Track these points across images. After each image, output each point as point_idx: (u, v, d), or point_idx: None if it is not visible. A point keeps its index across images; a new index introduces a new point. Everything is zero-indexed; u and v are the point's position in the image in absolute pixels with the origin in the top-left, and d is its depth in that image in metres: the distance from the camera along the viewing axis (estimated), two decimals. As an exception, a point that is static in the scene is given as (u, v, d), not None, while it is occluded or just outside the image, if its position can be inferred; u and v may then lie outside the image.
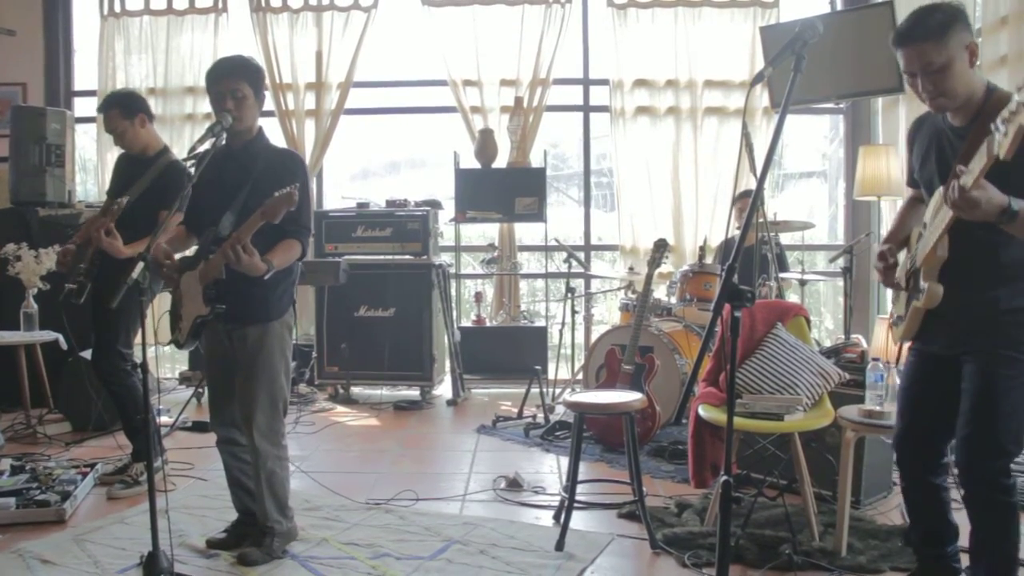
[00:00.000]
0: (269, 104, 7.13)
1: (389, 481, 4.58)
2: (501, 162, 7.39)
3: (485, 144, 7.30)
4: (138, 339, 4.32)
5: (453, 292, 7.32)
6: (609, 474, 4.68)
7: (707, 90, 7.45)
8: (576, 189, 8.42)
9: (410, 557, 3.49)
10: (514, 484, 4.45)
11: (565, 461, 4.84)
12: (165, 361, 7.70)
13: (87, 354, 5.48)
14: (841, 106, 7.63)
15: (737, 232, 5.75)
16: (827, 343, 5.06)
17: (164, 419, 5.77)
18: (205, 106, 7.31)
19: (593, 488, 4.40)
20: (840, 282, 6.05)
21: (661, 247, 5.34)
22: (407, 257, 6.80)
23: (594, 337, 6.17)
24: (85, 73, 7.95)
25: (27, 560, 3.42)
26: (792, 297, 6.12)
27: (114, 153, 4.67)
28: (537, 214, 7.13)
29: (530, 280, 8.25)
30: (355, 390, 7.01)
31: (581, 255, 7.46)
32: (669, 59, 7.45)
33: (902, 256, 2.93)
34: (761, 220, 5.29)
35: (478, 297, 7.47)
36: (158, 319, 4.25)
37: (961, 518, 2.89)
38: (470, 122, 7.52)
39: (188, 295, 3.41)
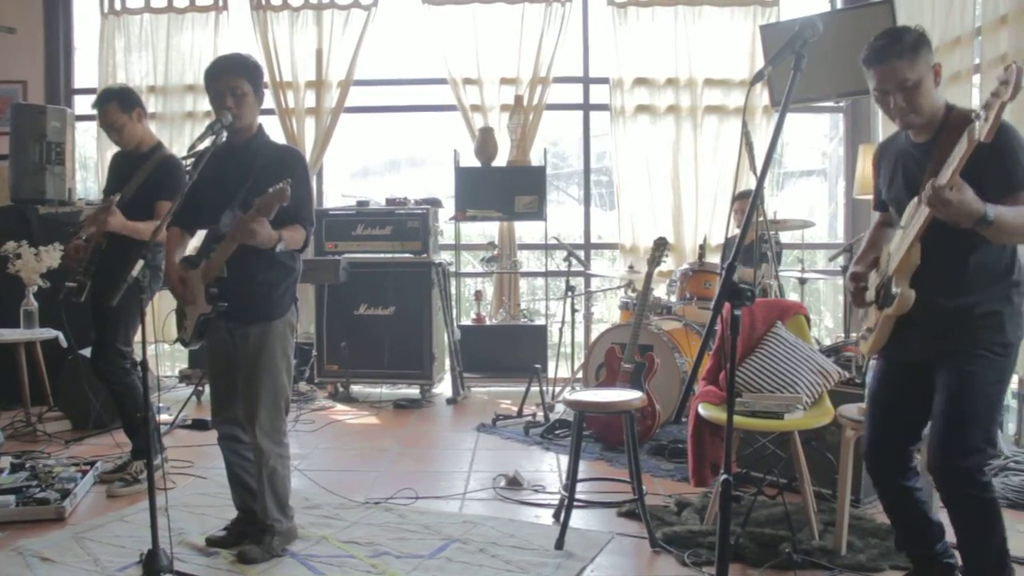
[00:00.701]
0: (269, 102, 7.15)
1: (389, 479, 4.58)
2: (501, 160, 7.39)
3: (485, 142, 7.30)
4: (138, 337, 4.33)
5: (453, 290, 7.32)
6: (609, 473, 4.68)
7: (707, 89, 7.45)
8: (576, 187, 8.42)
9: (410, 555, 3.49)
10: (514, 483, 4.45)
11: (565, 459, 4.84)
12: (165, 359, 7.71)
13: (87, 352, 5.49)
14: (841, 105, 7.63)
15: (737, 232, 5.74)
16: (827, 342, 5.07)
17: (164, 417, 5.77)
18: (205, 104, 7.31)
19: (593, 487, 4.40)
20: (840, 280, 6.05)
21: (661, 245, 5.34)
22: (407, 255, 6.80)
23: (594, 336, 6.18)
24: (85, 71, 7.95)
25: (27, 558, 3.42)
26: (792, 295, 6.12)
27: (114, 151, 4.66)
28: (537, 212, 7.13)
29: (530, 278, 8.25)
30: (355, 388, 7.01)
31: (581, 253, 7.46)
32: (669, 57, 7.45)
33: (872, 277, 2.98)
34: (761, 219, 5.29)
35: (478, 295, 7.47)
36: (164, 318, 4.27)
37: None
38: (470, 120, 7.52)
39: (192, 294, 3.42)
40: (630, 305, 6.02)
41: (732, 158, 7.29)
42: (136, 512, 3.96)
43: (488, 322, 7.39)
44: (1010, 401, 5.26)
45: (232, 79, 3.33)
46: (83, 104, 7.83)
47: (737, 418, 3.32)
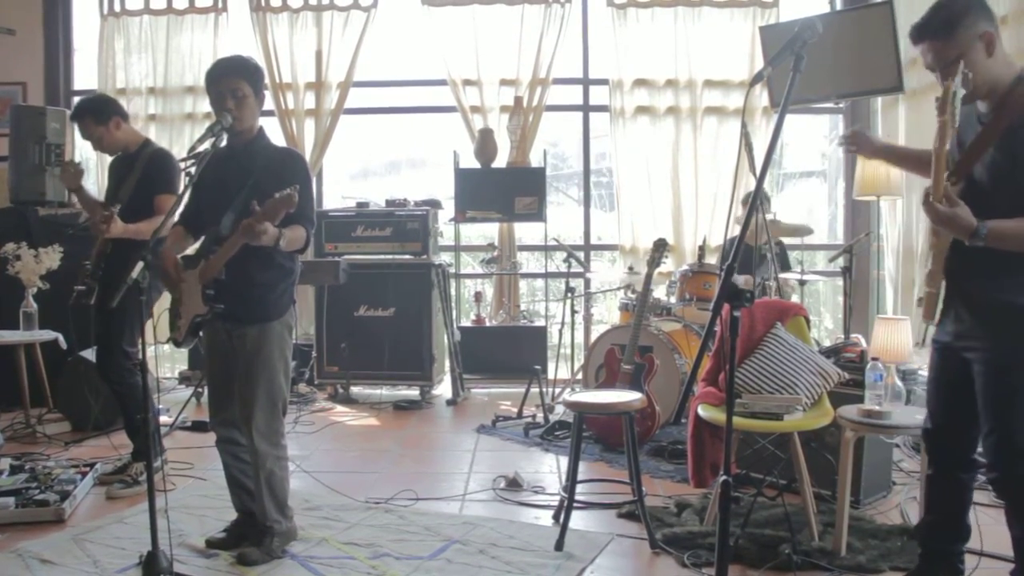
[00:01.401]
0: (269, 104, 7.12)
1: (389, 481, 4.58)
2: (501, 162, 7.40)
3: (485, 144, 7.30)
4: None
5: (453, 292, 7.32)
6: (609, 474, 4.68)
7: (707, 90, 7.45)
8: (576, 189, 8.42)
9: (410, 557, 3.49)
10: (514, 484, 4.45)
11: (565, 461, 4.84)
12: (165, 360, 7.70)
13: (87, 353, 5.50)
14: (841, 106, 7.63)
15: (736, 232, 5.74)
16: (826, 343, 5.06)
17: (164, 419, 5.77)
18: (205, 106, 7.31)
19: (593, 488, 4.40)
20: (839, 282, 6.05)
21: (660, 247, 5.34)
22: (407, 257, 6.81)
23: (594, 337, 6.17)
24: (85, 72, 7.94)
25: (26, 560, 3.42)
26: (792, 297, 6.12)
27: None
28: (537, 214, 7.13)
29: (530, 280, 8.25)
30: (355, 390, 7.01)
31: (581, 255, 7.46)
32: (669, 59, 7.45)
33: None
34: (762, 219, 5.29)
35: (478, 297, 7.47)
36: (157, 318, 4.27)
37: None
38: (470, 122, 7.52)
39: (187, 294, 3.41)
40: (630, 306, 6.02)
41: (732, 159, 7.29)
42: (136, 514, 3.97)
43: (488, 323, 7.39)
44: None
45: (233, 81, 3.33)
46: (83, 106, 7.82)
47: (737, 419, 3.32)
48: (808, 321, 4.15)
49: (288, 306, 3.51)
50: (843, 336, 5.46)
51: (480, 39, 7.52)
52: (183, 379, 7.07)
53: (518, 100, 7.41)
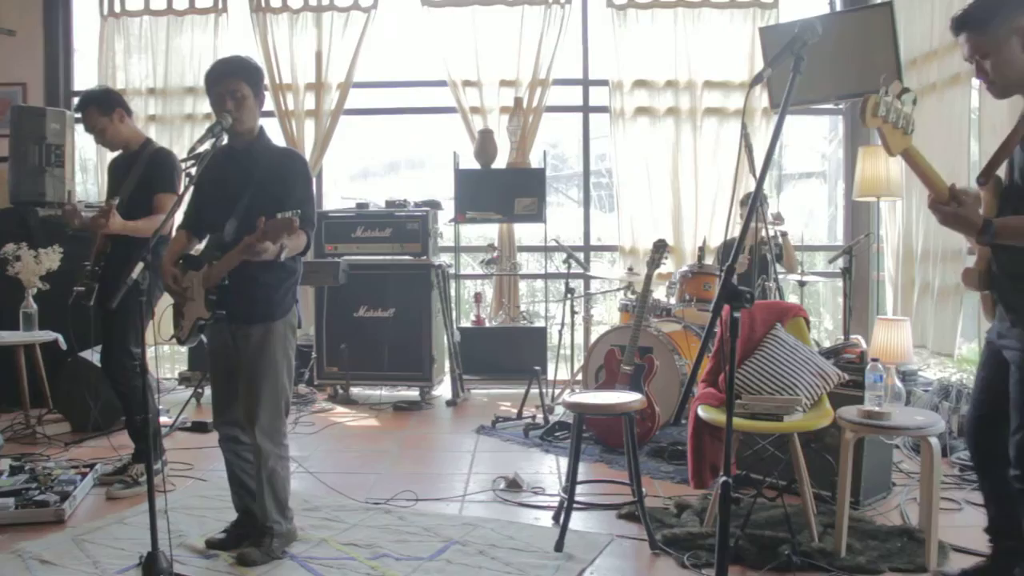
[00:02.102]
0: (269, 104, 7.14)
1: (388, 481, 4.58)
2: (501, 163, 7.40)
3: (485, 145, 7.30)
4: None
5: (453, 292, 7.32)
6: (608, 475, 4.68)
7: (707, 91, 7.46)
8: (575, 190, 8.42)
9: (409, 558, 3.49)
10: (513, 485, 4.45)
11: (564, 462, 4.84)
12: (165, 361, 7.70)
13: (87, 354, 5.50)
14: (840, 107, 7.63)
15: (737, 233, 5.75)
16: (826, 344, 5.07)
17: (163, 419, 5.77)
18: (205, 106, 7.31)
19: (592, 489, 4.40)
20: (839, 282, 6.06)
21: (660, 248, 5.34)
22: (407, 257, 6.81)
23: (593, 338, 6.17)
24: (85, 73, 7.95)
25: (26, 560, 3.42)
26: (791, 297, 6.13)
27: (113, 154, 4.67)
28: (536, 215, 7.13)
29: (529, 280, 8.25)
30: (354, 390, 7.01)
31: (580, 255, 7.46)
32: (669, 60, 7.45)
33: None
34: (766, 220, 5.30)
35: (477, 297, 7.47)
36: (160, 317, 4.27)
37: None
38: (470, 123, 7.52)
39: (191, 293, 3.42)
40: (630, 307, 6.02)
41: (732, 160, 7.29)
42: (136, 514, 3.97)
43: (488, 324, 7.39)
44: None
45: (232, 82, 3.34)
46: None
47: (736, 420, 3.32)
48: (808, 322, 4.15)
49: (291, 306, 3.52)
50: (843, 337, 5.47)
51: (480, 40, 7.53)
52: (183, 380, 7.07)
53: (518, 101, 7.41)
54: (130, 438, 4.66)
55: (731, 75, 7.44)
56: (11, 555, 3.48)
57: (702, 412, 3.71)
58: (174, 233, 3.77)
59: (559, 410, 6.06)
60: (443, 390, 7.05)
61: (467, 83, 7.54)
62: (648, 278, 5.27)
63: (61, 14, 7.84)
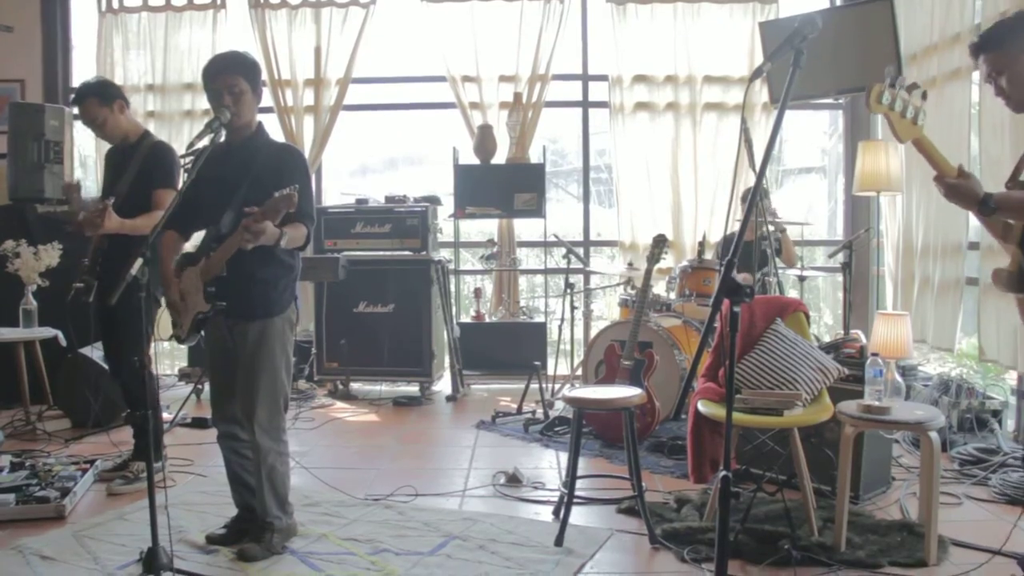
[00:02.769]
0: (268, 100, 7.14)
1: (388, 477, 4.59)
2: (500, 158, 7.39)
3: (484, 140, 7.29)
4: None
5: (452, 288, 7.32)
6: (608, 469, 4.69)
7: (706, 86, 7.45)
8: (575, 185, 8.42)
9: (409, 552, 3.49)
10: (513, 480, 4.45)
11: (564, 456, 4.85)
12: (164, 357, 7.70)
13: (87, 351, 5.51)
14: (840, 101, 7.63)
15: (737, 227, 5.74)
16: (826, 338, 5.07)
17: (164, 415, 5.76)
18: (204, 102, 7.30)
19: (592, 483, 4.40)
20: (839, 277, 6.05)
21: (660, 243, 5.34)
22: (406, 253, 6.81)
23: (593, 333, 6.17)
24: (83, 69, 7.92)
25: (27, 556, 3.43)
26: (791, 292, 6.13)
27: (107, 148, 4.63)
28: (536, 210, 7.13)
29: (529, 276, 8.25)
30: (354, 386, 7.02)
31: (580, 251, 7.45)
32: (668, 55, 7.44)
33: None
34: (763, 218, 5.29)
35: (477, 293, 7.47)
36: (160, 315, 4.25)
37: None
38: (469, 118, 7.52)
39: (189, 291, 3.42)
40: (629, 302, 6.02)
41: (731, 155, 7.28)
42: (136, 510, 3.97)
43: (487, 319, 7.39)
44: (1009, 398, 5.27)
45: (230, 77, 3.33)
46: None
47: (736, 415, 3.33)
48: (808, 317, 4.15)
49: (290, 302, 3.52)
50: (843, 332, 5.46)
51: (479, 35, 7.51)
52: (183, 376, 7.07)
53: (517, 96, 7.41)
54: (134, 435, 4.64)
55: (731, 70, 7.43)
56: (12, 551, 3.49)
57: (702, 407, 3.71)
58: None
59: (559, 405, 6.06)
60: (443, 385, 7.05)
61: (466, 78, 7.53)
62: (648, 273, 5.27)
63: (59, 10, 7.82)
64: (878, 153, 5.90)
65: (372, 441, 5.46)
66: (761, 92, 7.22)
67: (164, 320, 3.76)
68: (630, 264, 6.79)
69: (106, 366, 4.83)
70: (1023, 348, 4.75)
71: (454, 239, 7.72)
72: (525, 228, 7.75)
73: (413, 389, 6.89)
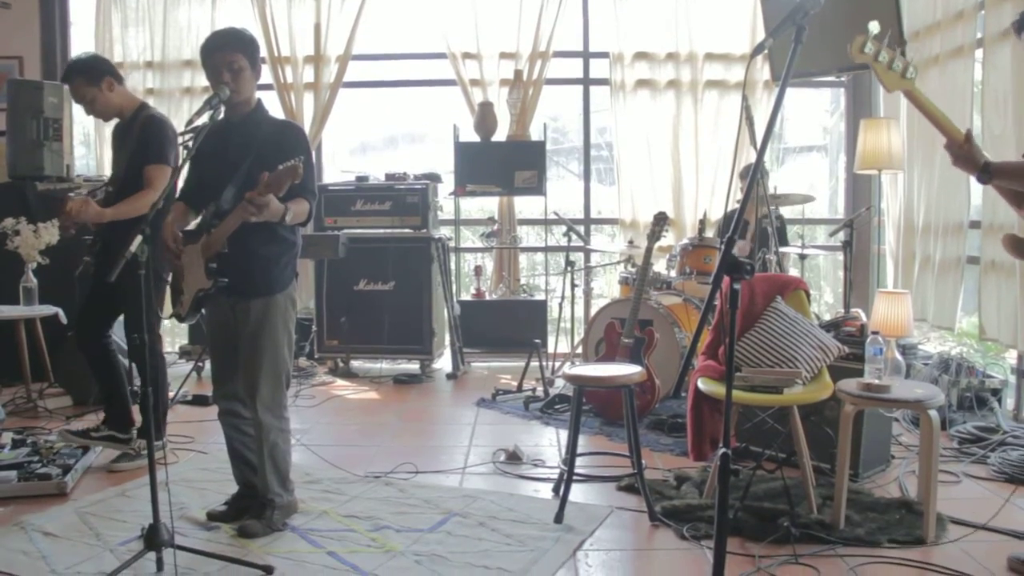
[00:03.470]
0: (267, 77, 7.10)
1: (389, 454, 4.60)
2: (501, 135, 7.36)
3: (484, 117, 7.27)
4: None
5: (453, 266, 7.32)
6: (608, 447, 4.70)
7: (708, 63, 7.40)
8: (576, 162, 8.40)
9: (410, 529, 3.51)
10: (513, 457, 4.47)
11: (564, 434, 4.86)
12: (165, 335, 7.70)
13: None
14: (842, 79, 7.59)
15: (737, 205, 5.73)
16: (827, 317, 5.07)
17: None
18: (203, 79, 7.14)
19: (592, 461, 4.42)
20: (840, 256, 6.05)
21: (661, 220, 5.33)
22: (406, 231, 6.80)
23: (593, 310, 6.18)
24: (82, 46, 7.86)
25: (29, 533, 3.44)
26: (792, 271, 6.12)
27: (111, 126, 4.59)
28: (537, 187, 7.11)
29: (530, 254, 8.24)
30: (355, 364, 7.03)
31: (581, 228, 7.45)
32: (670, 31, 7.39)
33: None
34: (762, 193, 5.28)
35: (478, 271, 7.47)
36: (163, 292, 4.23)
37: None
38: (469, 95, 7.48)
39: (189, 268, 3.41)
40: (630, 280, 6.01)
41: (732, 133, 7.26)
42: (137, 487, 3.98)
43: (488, 297, 7.39)
44: (1009, 377, 5.27)
45: (228, 54, 3.31)
46: (80, 79, 7.77)
47: (736, 392, 3.33)
48: (808, 295, 4.15)
49: (291, 279, 3.52)
50: (843, 310, 5.46)
51: (480, 12, 7.46)
52: (183, 353, 7.08)
53: (518, 73, 7.37)
54: (140, 412, 4.62)
55: (732, 47, 7.38)
56: (15, 528, 3.50)
57: (702, 385, 3.71)
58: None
59: (559, 383, 6.07)
60: (443, 363, 7.06)
61: (467, 55, 7.49)
62: (648, 251, 5.27)
63: (57, -14, 7.78)
64: (880, 131, 5.87)
65: (372, 419, 5.47)
66: (763, 70, 7.18)
67: (164, 299, 3.74)
68: (630, 242, 6.78)
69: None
70: (1023, 327, 4.75)
71: (454, 217, 7.70)
72: (526, 206, 7.73)
73: (413, 367, 6.90)
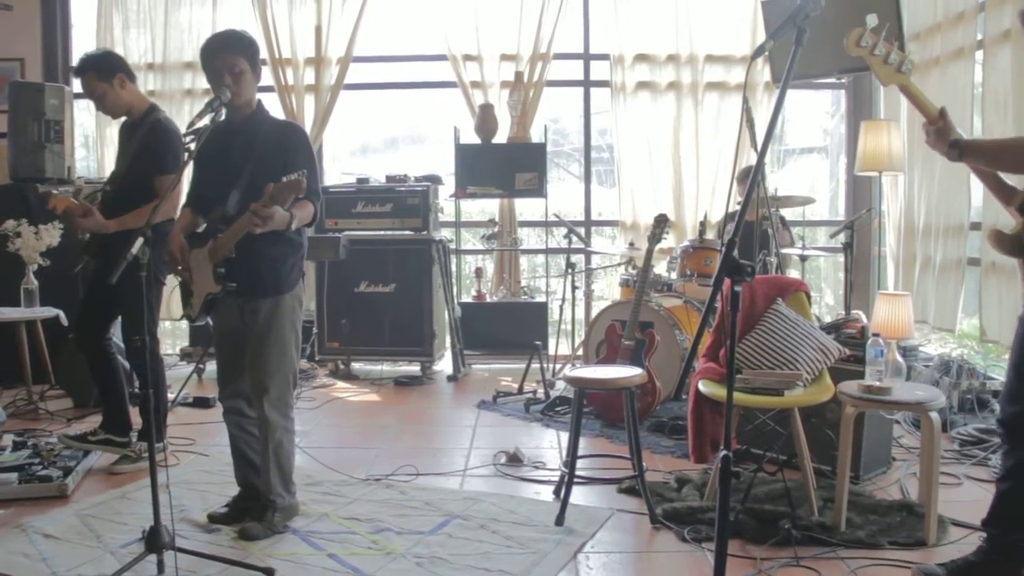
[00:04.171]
0: (268, 79, 7.10)
1: (389, 456, 4.60)
2: (501, 137, 7.36)
3: (485, 119, 7.27)
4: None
5: (453, 268, 7.32)
6: (609, 449, 4.69)
7: (708, 65, 7.40)
8: (576, 164, 8.40)
9: (410, 532, 3.51)
10: (514, 459, 4.46)
11: (565, 436, 4.85)
12: (166, 337, 7.71)
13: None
14: (843, 81, 7.59)
15: (737, 207, 5.73)
16: (827, 319, 5.07)
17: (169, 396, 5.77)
18: (204, 81, 7.13)
19: (593, 463, 4.42)
20: (841, 258, 6.04)
21: (661, 222, 5.32)
22: (407, 233, 6.79)
23: (594, 313, 6.17)
24: (83, 48, 7.81)
25: (30, 535, 3.44)
26: (793, 272, 6.12)
27: (114, 128, 4.58)
28: (537, 189, 7.11)
29: (530, 256, 8.24)
30: (355, 366, 7.03)
31: (581, 230, 7.45)
32: (670, 33, 7.39)
33: None
34: (762, 195, 5.28)
35: (478, 273, 7.47)
36: (169, 295, 4.24)
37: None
38: (470, 97, 7.48)
39: (198, 272, 3.43)
40: (631, 282, 6.01)
41: (733, 135, 7.26)
42: (138, 489, 3.98)
43: (488, 299, 7.39)
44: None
45: (229, 57, 3.32)
46: (81, 82, 7.78)
47: (737, 395, 3.33)
48: (809, 297, 4.15)
49: (298, 279, 3.53)
50: (844, 312, 5.46)
51: (480, 14, 7.46)
52: (185, 355, 7.07)
53: (519, 75, 7.37)
54: (140, 414, 4.62)
55: (733, 49, 7.38)
56: (16, 530, 3.50)
57: (703, 387, 3.71)
58: (178, 213, 3.75)
59: (560, 385, 6.07)
60: (444, 365, 7.06)
61: (467, 57, 7.49)
62: (649, 253, 5.26)
63: (58, -12, 7.79)
64: (880, 133, 5.87)
65: (373, 421, 5.47)
66: (763, 71, 7.18)
67: (175, 301, 3.75)
68: (631, 244, 6.78)
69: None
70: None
71: (455, 219, 7.70)
72: (526, 208, 7.73)
73: (414, 369, 6.90)
